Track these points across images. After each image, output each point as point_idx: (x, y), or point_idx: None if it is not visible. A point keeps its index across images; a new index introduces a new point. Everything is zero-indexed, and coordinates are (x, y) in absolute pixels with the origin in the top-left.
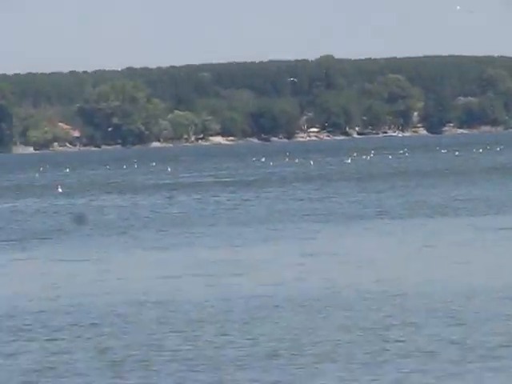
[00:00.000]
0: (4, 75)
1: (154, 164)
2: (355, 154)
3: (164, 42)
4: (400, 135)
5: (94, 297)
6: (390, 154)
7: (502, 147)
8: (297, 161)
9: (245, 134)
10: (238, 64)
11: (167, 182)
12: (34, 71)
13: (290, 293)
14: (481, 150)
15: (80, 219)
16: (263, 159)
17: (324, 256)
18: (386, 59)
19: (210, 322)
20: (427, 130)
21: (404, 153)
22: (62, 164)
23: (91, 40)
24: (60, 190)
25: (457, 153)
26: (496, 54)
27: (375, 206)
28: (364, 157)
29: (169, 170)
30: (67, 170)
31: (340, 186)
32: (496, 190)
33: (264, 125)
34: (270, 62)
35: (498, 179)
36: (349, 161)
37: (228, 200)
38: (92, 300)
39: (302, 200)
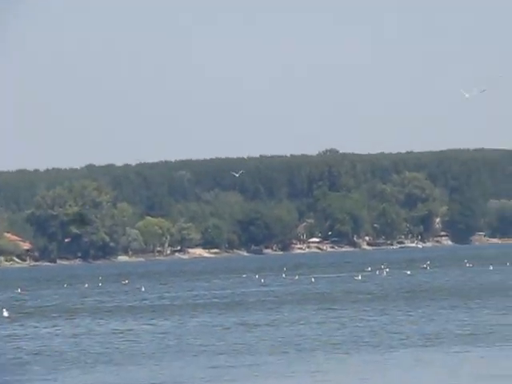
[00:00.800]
0: None
1: (127, 282)
2: (369, 269)
3: (132, 135)
4: (420, 246)
5: None
6: (407, 269)
7: None
8: (296, 278)
9: (231, 246)
10: (223, 160)
11: (142, 303)
12: None
13: None
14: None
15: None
16: (256, 276)
17: None
18: (402, 154)
19: None
20: (452, 240)
21: (426, 266)
22: (10, 283)
23: (43, 132)
24: (5, 313)
25: (491, 267)
26: None
27: (391, 333)
28: (377, 272)
29: (143, 289)
30: (18, 290)
31: (347, 307)
32: None
33: (255, 234)
34: (262, 157)
35: None
36: (359, 277)
37: (225, 328)
38: None
39: (302, 325)
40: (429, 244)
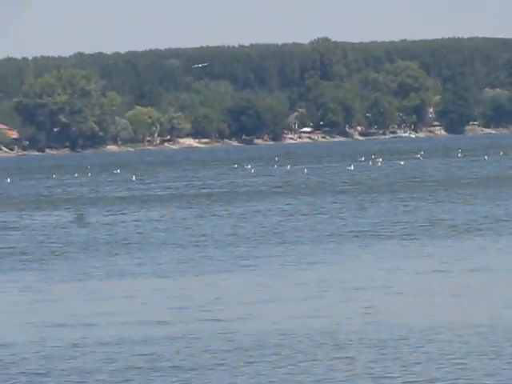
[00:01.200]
0: None
1: (119, 171)
2: (363, 159)
3: (122, 22)
4: (413, 136)
5: None
6: (401, 160)
7: None
8: (288, 168)
9: (222, 135)
10: (214, 49)
11: (135, 193)
12: None
13: None
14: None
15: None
16: (249, 166)
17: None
18: (395, 42)
19: None
20: (446, 130)
21: (420, 157)
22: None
23: (32, 19)
24: None
25: (486, 157)
26: None
27: (372, 225)
28: (370, 163)
29: (133, 178)
30: (8, 180)
31: (340, 199)
32: None
33: (246, 124)
34: (253, 46)
35: None
36: (351, 167)
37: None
38: None
39: (291, 216)
40: (422, 134)
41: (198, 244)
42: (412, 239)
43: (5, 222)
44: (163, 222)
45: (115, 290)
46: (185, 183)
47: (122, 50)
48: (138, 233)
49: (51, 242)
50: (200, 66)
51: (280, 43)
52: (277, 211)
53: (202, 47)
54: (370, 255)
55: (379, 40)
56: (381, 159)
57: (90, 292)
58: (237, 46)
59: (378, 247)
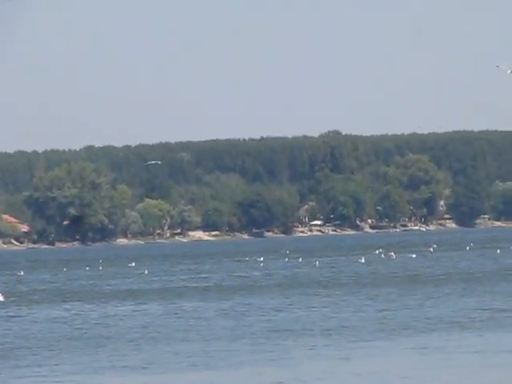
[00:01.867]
0: None
1: (134, 264)
2: (378, 251)
3: (133, 116)
4: (423, 229)
5: None
6: (413, 253)
7: None
8: (300, 260)
9: (232, 228)
10: (224, 142)
11: (149, 287)
12: None
13: None
14: None
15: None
16: (261, 258)
17: None
18: (405, 136)
19: None
20: (456, 223)
21: (433, 250)
22: (9, 264)
23: (42, 114)
24: (1, 298)
25: (498, 251)
26: None
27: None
28: (382, 256)
29: (146, 272)
30: (22, 273)
31: (350, 292)
32: None
33: (256, 217)
34: (263, 139)
35: None
36: (362, 260)
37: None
38: None
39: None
40: (432, 227)
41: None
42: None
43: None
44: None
45: None
46: (199, 276)
47: (132, 144)
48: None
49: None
50: (152, 162)
51: (290, 136)
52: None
53: (212, 140)
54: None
55: (390, 133)
56: (392, 252)
57: None
58: (247, 139)
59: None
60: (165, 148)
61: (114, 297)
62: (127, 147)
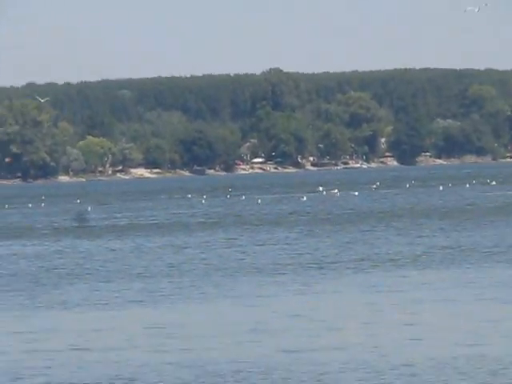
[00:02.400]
0: None
1: (79, 201)
2: (320, 189)
3: (73, 52)
4: (364, 166)
5: None
6: (355, 190)
7: (493, 182)
8: (243, 198)
9: (174, 166)
10: (166, 79)
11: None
12: None
13: None
14: (468, 185)
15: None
16: (205, 197)
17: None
18: (347, 73)
19: None
20: (398, 161)
21: (376, 188)
22: None
23: None
24: None
25: (441, 187)
26: (482, 67)
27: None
28: (324, 193)
29: (89, 209)
30: None
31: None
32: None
33: (197, 154)
34: (205, 76)
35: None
36: (304, 198)
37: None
38: None
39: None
40: (374, 165)
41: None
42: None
43: None
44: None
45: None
46: (142, 213)
47: (74, 81)
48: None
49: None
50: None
51: (232, 74)
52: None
53: (153, 78)
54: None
55: (331, 71)
56: (336, 190)
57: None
58: (189, 76)
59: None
60: (106, 85)
61: (60, 233)
62: (68, 84)
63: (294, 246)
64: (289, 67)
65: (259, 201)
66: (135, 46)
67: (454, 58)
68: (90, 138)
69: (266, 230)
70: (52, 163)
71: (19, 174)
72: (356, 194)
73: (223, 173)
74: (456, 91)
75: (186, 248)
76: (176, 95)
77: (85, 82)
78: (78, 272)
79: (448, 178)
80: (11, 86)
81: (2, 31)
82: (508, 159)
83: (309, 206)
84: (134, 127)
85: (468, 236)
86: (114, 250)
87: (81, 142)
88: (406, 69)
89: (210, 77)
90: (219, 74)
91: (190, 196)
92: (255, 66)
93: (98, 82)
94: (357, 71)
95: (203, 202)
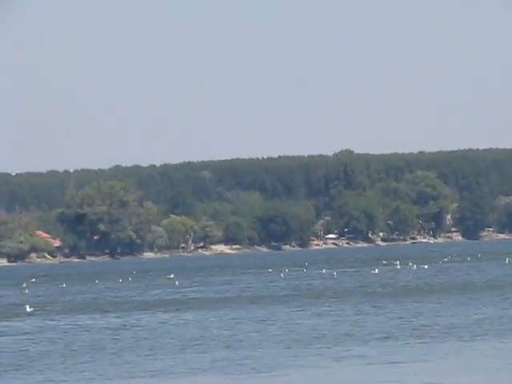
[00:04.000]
0: None
1: (172, 276)
2: (396, 263)
3: (157, 137)
4: (432, 241)
5: None
6: (424, 264)
7: None
8: (323, 271)
9: (252, 242)
10: (244, 161)
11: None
12: (7, 171)
13: None
14: None
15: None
16: (286, 270)
17: None
18: (414, 154)
19: None
20: (463, 236)
21: (446, 261)
22: (49, 277)
23: (74, 135)
24: (28, 309)
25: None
26: None
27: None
28: (398, 267)
29: (177, 283)
30: (64, 285)
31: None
32: None
33: (274, 231)
34: (281, 158)
35: None
36: (376, 271)
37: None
38: None
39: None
40: (440, 239)
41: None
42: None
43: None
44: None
45: None
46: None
47: (158, 163)
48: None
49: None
50: None
51: (306, 155)
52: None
53: (232, 159)
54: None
55: (399, 151)
56: (411, 263)
57: None
58: (265, 157)
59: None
60: (187, 167)
61: (159, 306)
62: (152, 167)
63: (390, 313)
64: (359, 148)
65: (335, 274)
66: (215, 129)
67: None
68: (173, 216)
69: (352, 300)
70: (138, 240)
71: (107, 251)
72: (426, 267)
73: (298, 248)
74: None
75: (276, 319)
76: (253, 176)
77: (167, 165)
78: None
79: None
80: (99, 169)
81: (91, 121)
82: None
83: (387, 278)
84: (214, 206)
85: None
86: (210, 321)
87: (165, 221)
88: (469, 149)
89: (286, 158)
90: (294, 156)
91: (270, 270)
92: (327, 148)
93: (180, 164)
94: (423, 152)
95: (282, 275)
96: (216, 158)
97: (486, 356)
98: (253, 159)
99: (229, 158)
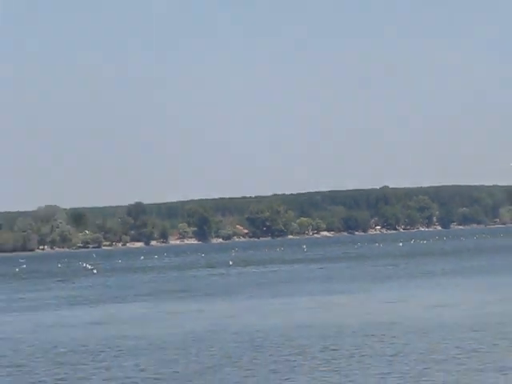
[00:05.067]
0: (205, 200)
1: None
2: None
3: (303, 169)
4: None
5: None
6: (425, 240)
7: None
8: (401, 244)
9: (340, 230)
10: (338, 191)
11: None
12: (226, 195)
13: None
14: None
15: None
16: (377, 244)
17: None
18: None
19: None
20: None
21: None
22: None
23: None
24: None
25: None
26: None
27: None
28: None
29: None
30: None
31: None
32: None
33: (351, 225)
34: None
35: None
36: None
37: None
38: None
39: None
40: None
41: None
42: None
43: None
44: None
45: None
46: None
47: (301, 191)
48: None
49: None
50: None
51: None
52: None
53: (333, 190)
54: None
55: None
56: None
57: None
58: (351, 189)
59: None
60: (308, 194)
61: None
62: (298, 193)
63: None
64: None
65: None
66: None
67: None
68: (302, 218)
69: None
70: (285, 230)
71: (269, 234)
72: (425, 242)
73: (362, 233)
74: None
75: None
76: (339, 199)
77: (302, 194)
78: None
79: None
80: (267, 195)
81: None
82: None
83: None
84: (322, 213)
85: None
86: None
87: (298, 220)
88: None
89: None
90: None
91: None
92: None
93: (305, 194)
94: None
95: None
96: (323, 189)
97: None
98: (341, 190)
99: (331, 189)
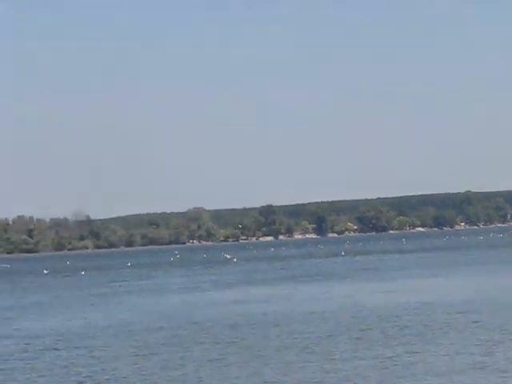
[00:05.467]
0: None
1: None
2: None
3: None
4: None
5: None
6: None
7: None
8: (481, 237)
9: (431, 226)
10: (429, 195)
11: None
12: (339, 198)
13: None
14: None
15: None
16: (463, 237)
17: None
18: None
19: None
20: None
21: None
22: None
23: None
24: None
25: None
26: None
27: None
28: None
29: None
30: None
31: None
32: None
33: (441, 222)
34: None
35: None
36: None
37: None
38: None
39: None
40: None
41: None
42: None
43: None
44: None
45: None
46: None
47: (412, 194)
48: None
49: None
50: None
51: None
52: None
53: (408, 196)
54: None
55: None
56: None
57: None
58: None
59: None
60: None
61: None
62: (406, 196)
63: None
64: None
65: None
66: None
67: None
68: (401, 217)
69: None
70: (387, 225)
71: (374, 229)
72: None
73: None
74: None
75: None
76: (425, 204)
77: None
78: None
79: None
80: (374, 198)
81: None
82: None
83: None
84: (416, 213)
85: None
86: None
87: (397, 218)
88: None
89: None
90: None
91: None
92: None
93: (409, 196)
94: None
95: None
96: (397, 195)
97: None
98: (420, 195)
99: (406, 195)
